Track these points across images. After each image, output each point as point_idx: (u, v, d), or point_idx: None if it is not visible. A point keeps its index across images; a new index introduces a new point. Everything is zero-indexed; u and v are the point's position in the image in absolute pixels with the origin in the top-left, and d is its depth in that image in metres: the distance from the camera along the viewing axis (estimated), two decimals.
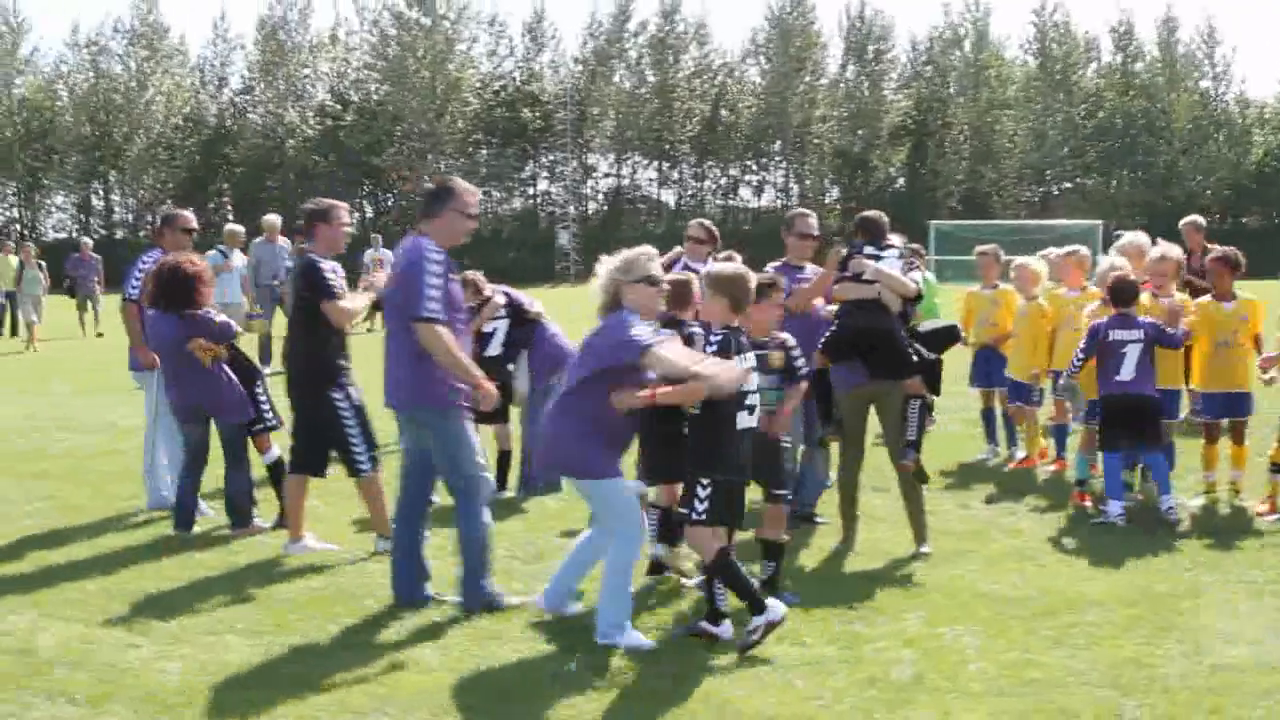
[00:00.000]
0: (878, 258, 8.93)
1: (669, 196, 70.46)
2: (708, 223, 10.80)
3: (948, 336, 9.25)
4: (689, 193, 70.14)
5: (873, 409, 9.07)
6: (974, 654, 6.69)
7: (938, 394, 9.46)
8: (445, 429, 7.40)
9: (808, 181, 68.52)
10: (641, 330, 6.81)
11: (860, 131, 67.16)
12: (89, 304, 29.12)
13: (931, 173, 64.89)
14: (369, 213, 65.16)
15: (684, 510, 6.99)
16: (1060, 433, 11.71)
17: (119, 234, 63.01)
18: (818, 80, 68.98)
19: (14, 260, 28.84)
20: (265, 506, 9.75)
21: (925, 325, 9.22)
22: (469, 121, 65.56)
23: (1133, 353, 9.59)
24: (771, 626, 6.74)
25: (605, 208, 67.52)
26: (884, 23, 69.49)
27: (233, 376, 9.44)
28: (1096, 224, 44.54)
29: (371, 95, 67.11)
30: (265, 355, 18.89)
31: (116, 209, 68.21)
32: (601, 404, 6.83)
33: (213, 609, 7.51)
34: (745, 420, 7.02)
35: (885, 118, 67.72)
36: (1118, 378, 9.61)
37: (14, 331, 28.95)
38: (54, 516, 10.03)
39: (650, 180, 70.35)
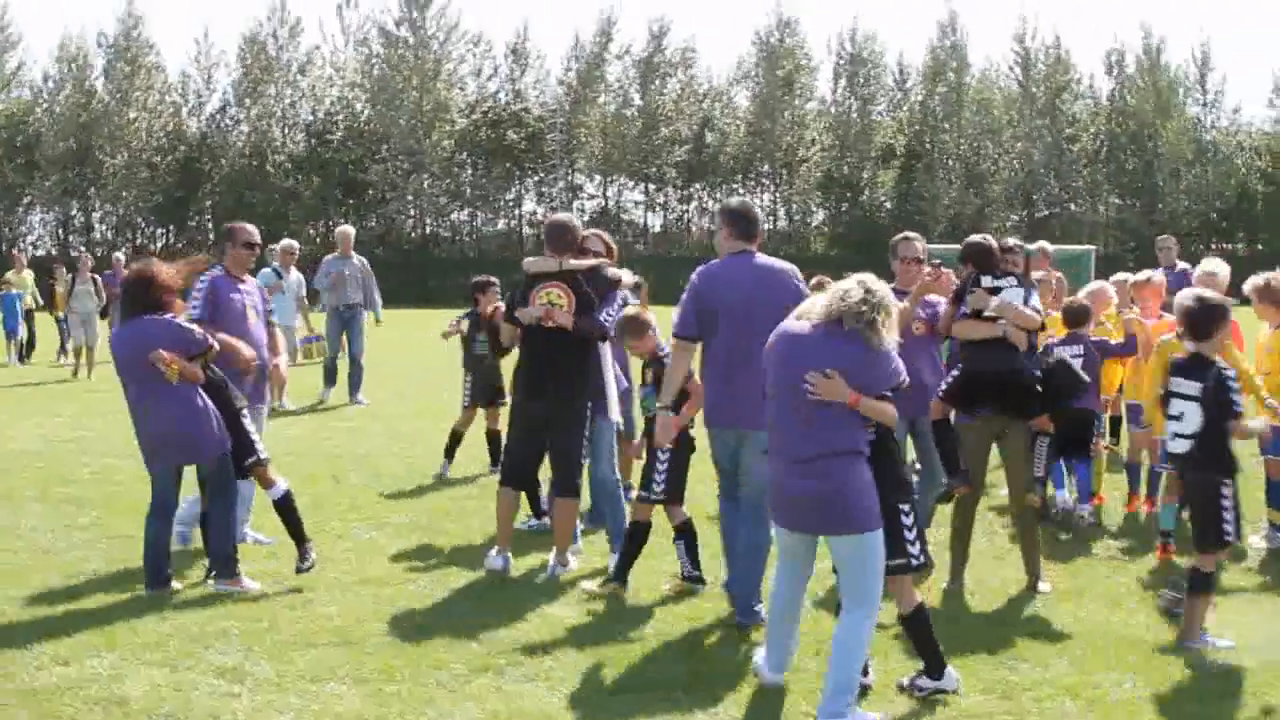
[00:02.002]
0: (997, 289, 8.43)
1: (655, 219, 70.12)
2: (605, 235, 9.75)
3: (1073, 384, 8.60)
4: (674, 215, 69.76)
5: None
6: (1148, 706, 6.19)
7: (1086, 445, 9.11)
8: None
9: (795, 204, 68.20)
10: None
11: (849, 155, 66.95)
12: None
13: (920, 196, 64.64)
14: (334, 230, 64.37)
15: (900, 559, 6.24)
16: (1134, 471, 10.91)
17: (99, 251, 61.89)
18: (806, 103, 68.79)
19: (28, 276, 27.23)
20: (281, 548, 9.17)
21: (1055, 369, 8.58)
22: (455, 141, 65.03)
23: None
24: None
25: (592, 229, 66.86)
26: (875, 47, 69.34)
27: (208, 402, 8.12)
28: (1089, 249, 44.26)
29: (357, 114, 66.50)
30: (330, 378, 17.92)
31: (96, 226, 67.21)
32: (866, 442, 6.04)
33: (303, 651, 6.92)
34: None
35: (874, 141, 67.56)
36: None
37: (28, 350, 26.71)
38: (103, 547, 9.40)
39: (637, 202, 69.95)
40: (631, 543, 8.16)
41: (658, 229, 69.59)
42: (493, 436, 11.96)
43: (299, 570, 8.30)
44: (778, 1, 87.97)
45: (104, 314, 25.36)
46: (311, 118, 67.06)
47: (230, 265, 9.50)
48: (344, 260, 18.05)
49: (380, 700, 6.20)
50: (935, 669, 6.30)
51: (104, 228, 67.04)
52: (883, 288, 5.92)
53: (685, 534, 8.23)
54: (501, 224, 68.65)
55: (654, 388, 8.00)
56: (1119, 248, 61.11)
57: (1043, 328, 8.81)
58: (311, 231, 65.82)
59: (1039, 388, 8.41)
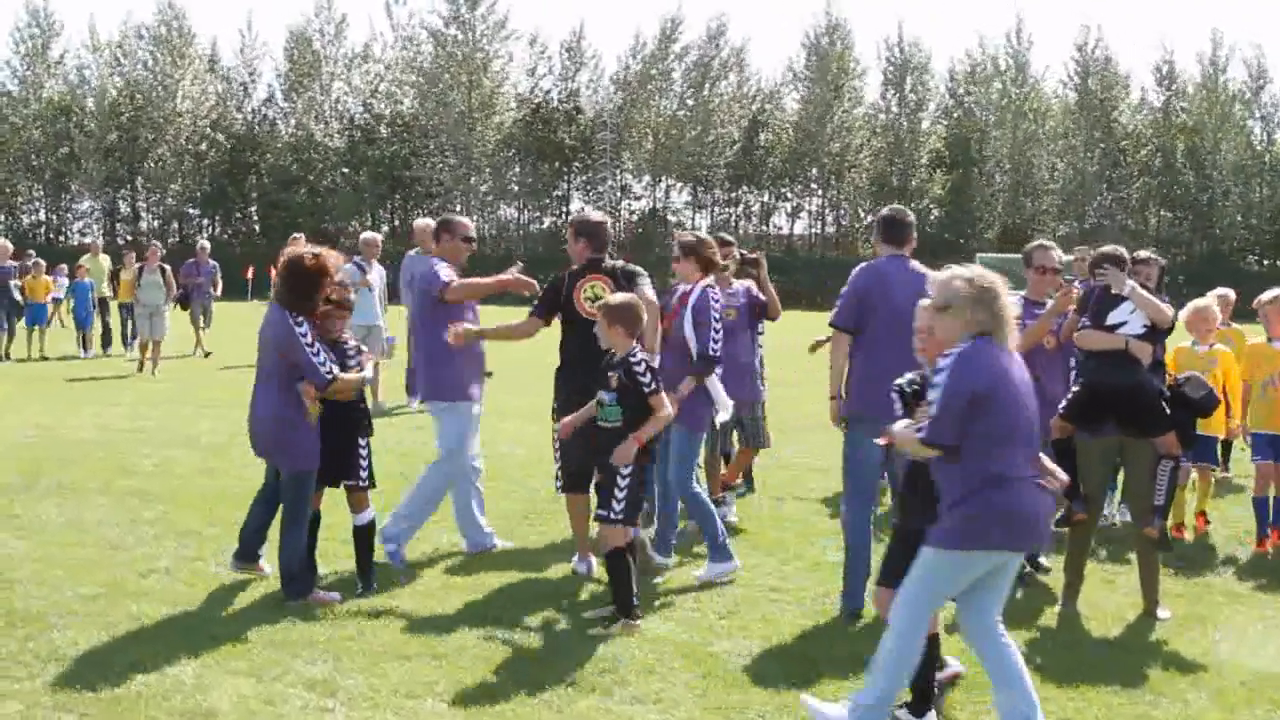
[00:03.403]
0: (1125, 299, 8.01)
1: (703, 220, 69.64)
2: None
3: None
4: (722, 217, 69.30)
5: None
6: None
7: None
8: None
9: (844, 209, 67.66)
10: None
11: (897, 160, 66.37)
12: (204, 318, 24.87)
13: (971, 203, 63.96)
14: (382, 226, 64.16)
15: None
16: (1261, 507, 9.94)
17: (144, 240, 62.05)
18: (854, 108, 68.22)
19: (105, 261, 25.79)
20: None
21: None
22: (503, 138, 64.83)
23: None
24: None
25: (640, 229, 66.56)
26: (923, 53, 68.68)
27: (301, 417, 7.62)
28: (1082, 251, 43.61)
29: (403, 109, 66.45)
30: (413, 387, 16.28)
31: (143, 215, 67.35)
32: None
33: (395, 664, 6.54)
34: None
35: (923, 147, 66.95)
36: None
37: (104, 343, 25.41)
38: (171, 544, 9.04)
39: (684, 203, 69.58)
40: (615, 573, 7.37)
41: (704, 231, 69.11)
42: None
43: (357, 595, 7.81)
44: (828, 3, 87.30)
45: (184, 304, 24.35)
46: (358, 112, 67.02)
47: (442, 256, 9.14)
48: (425, 257, 16.94)
49: None
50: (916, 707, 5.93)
51: (150, 217, 67.13)
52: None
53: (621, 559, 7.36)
54: (548, 222, 68.28)
55: (618, 394, 7.39)
56: (1170, 261, 60.25)
57: (1172, 328, 8.34)
58: (356, 226, 65.82)
59: (1164, 404, 7.95)
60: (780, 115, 68.86)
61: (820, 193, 68.80)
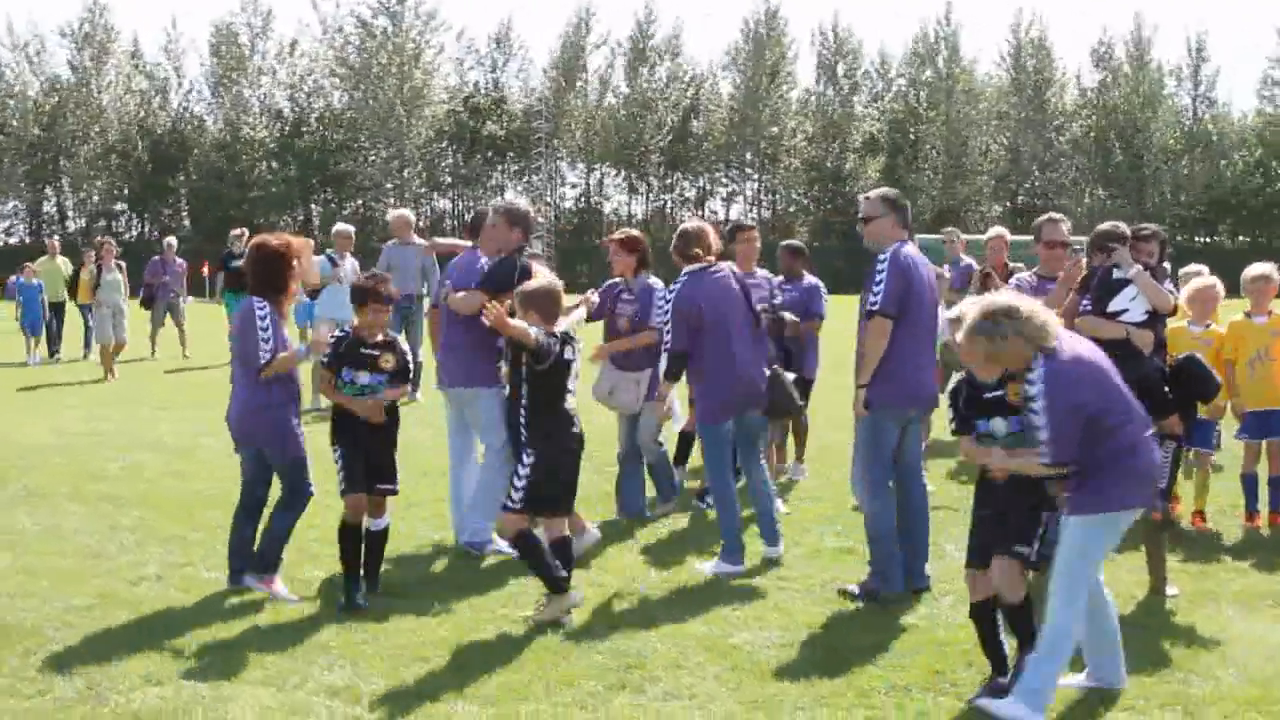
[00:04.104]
0: (1127, 283, 7.97)
1: (638, 207, 69.51)
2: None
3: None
4: (657, 203, 69.17)
5: None
6: None
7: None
8: None
9: (779, 194, 67.79)
10: None
11: (833, 145, 66.57)
12: (169, 318, 23.49)
13: (905, 187, 64.27)
14: (314, 219, 63.40)
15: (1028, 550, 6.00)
16: (1250, 482, 9.95)
17: (77, 240, 60.80)
18: (789, 92, 68.37)
19: (62, 264, 24.40)
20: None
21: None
22: (433, 129, 64.28)
23: None
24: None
25: (576, 218, 66.29)
26: (856, 38, 69.00)
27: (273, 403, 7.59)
28: (1079, 239, 44.01)
29: (334, 103, 65.74)
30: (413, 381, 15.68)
31: (70, 214, 66.09)
32: None
33: (414, 667, 6.35)
34: None
35: (857, 131, 67.21)
36: None
37: (51, 351, 23.79)
38: (156, 550, 8.76)
39: (619, 189, 69.38)
40: (527, 556, 7.25)
41: (640, 217, 68.97)
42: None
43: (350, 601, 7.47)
44: None
45: (147, 304, 23.29)
46: (287, 106, 66.20)
47: (486, 246, 8.86)
48: (403, 247, 16.37)
49: None
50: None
51: (77, 215, 65.89)
52: None
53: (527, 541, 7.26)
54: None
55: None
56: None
57: (1173, 312, 8.31)
58: (288, 220, 65.03)
59: (1165, 387, 7.89)
60: (715, 100, 68.78)
61: (756, 177, 68.86)
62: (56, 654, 6.49)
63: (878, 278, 7.54)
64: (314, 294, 16.18)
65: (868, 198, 7.95)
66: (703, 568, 8.35)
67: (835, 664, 6.45)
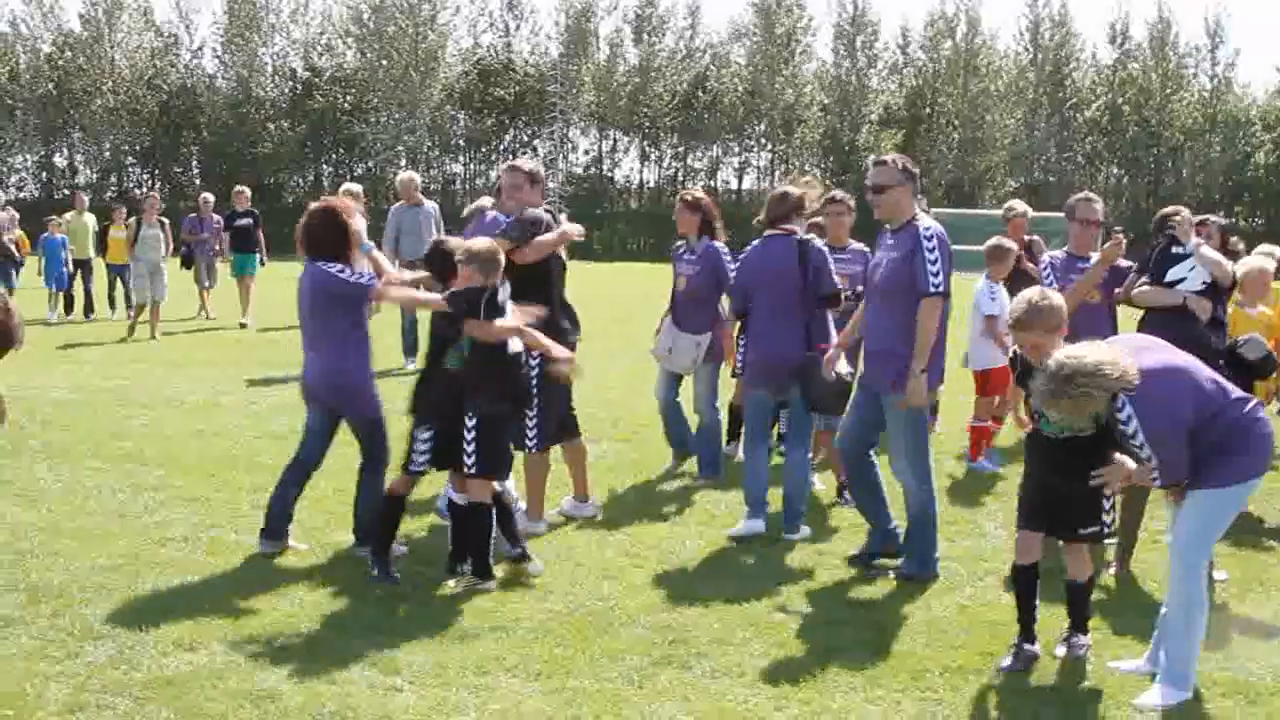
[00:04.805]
0: (1186, 256, 7.80)
1: (650, 175, 69.12)
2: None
3: (1264, 365, 7.84)
4: (669, 171, 68.75)
5: None
6: None
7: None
8: None
9: (793, 165, 67.34)
10: None
11: (847, 117, 66.10)
12: (208, 277, 22.31)
13: (920, 160, 63.87)
14: (324, 180, 62.99)
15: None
16: None
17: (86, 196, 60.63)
18: (804, 64, 67.85)
19: (90, 220, 23.01)
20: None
21: (1244, 345, 7.85)
22: (444, 91, 63.86)
23: None
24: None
25: (586, 182, 65.86)
26: (875, 12, 68.38)
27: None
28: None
29: (345, 64, 65.31)
30: (409, 347, 15.64)
31: (81, 169, 65.79)
32: None
33: (456, 639, 6.18)
34: None
35: (873, 103, 66.73)
36: None
37: (86, 309, 22.68)
38: (182, 511, 8.59)
39: (631, 156, 68.94)
40: (476, 530, 7.08)
41: (652, 185, 68.58)
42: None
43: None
44: None
45: (186, 262, 22.32)
46: (299, 65, 65.79)
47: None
48: (412, 209, 16.10)
49: (566, 698, 5.46)
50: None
51: (89, 170, 65.59)
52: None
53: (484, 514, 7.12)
54: (494, 175, 67.36)
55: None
56: (1118, 217, 60.49)
57: (1233, 286, 8.12)
58: (298, 181, 64.72)
59: (1223, 363, 7.71)
60: (728, 70, 68.28)
61: (770, 147, 68.41)
62: (85, 616, 6.32)
63: (931, 256, 7.18)
64: None
65: (882, 164, 7.46)
66: (727, 533, 8.26)
67: (884, 643, 6.30)
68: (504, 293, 7.05)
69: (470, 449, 6.93)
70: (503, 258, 7.14)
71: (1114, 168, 66.37)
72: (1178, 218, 7.89)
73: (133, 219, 20.65)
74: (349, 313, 7.49)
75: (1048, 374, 5.34)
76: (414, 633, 6.22)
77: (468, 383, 6.90)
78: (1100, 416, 5.52)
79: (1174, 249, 7.92)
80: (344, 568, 7.34)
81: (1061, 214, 9.18)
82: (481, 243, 7.14)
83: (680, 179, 66.97)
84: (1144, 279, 8.08)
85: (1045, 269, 8.73)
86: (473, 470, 6.96)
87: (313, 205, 7.73)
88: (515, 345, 7.07)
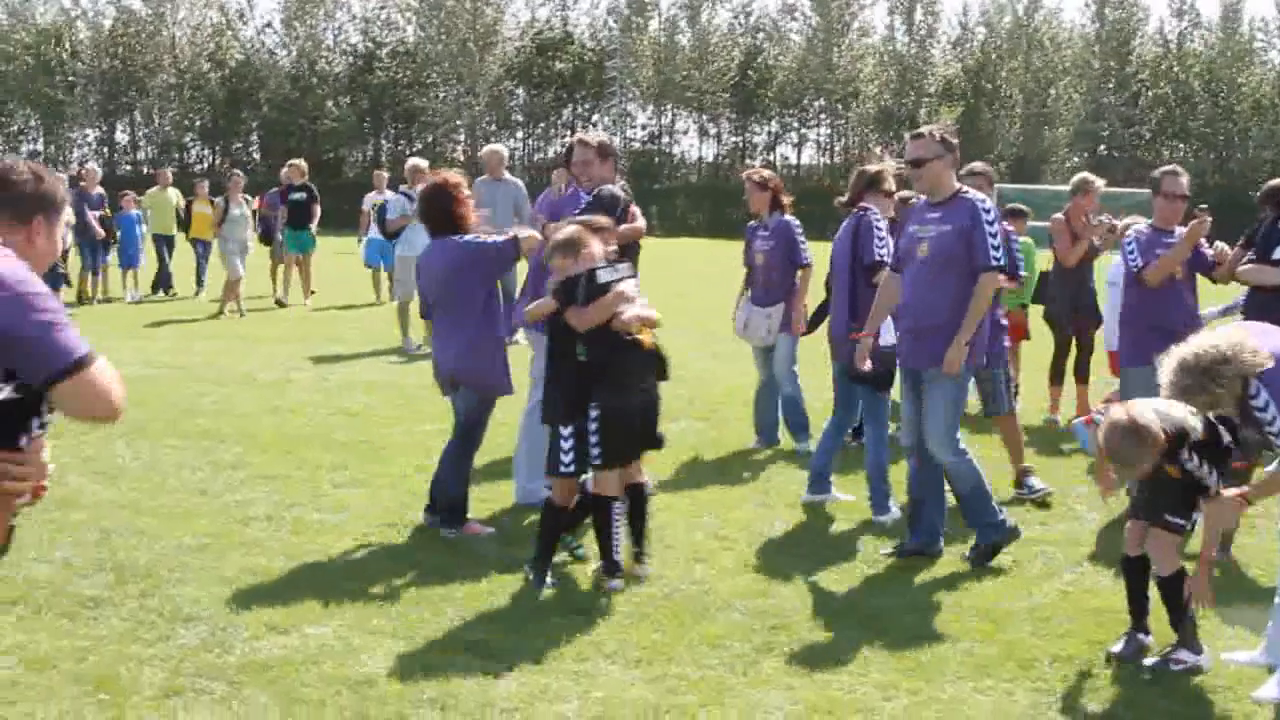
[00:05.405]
0: None
1: (708, 150, 68.81)
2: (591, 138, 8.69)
3: None
4: (727, 147, 68.40)
5: None
6: None
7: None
8: None
9: (852, 139, 66.82)
10: None
11: (907, 91, 65.44)
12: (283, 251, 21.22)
13: (983, 136, 63.08)
14: (383, 155, 63.05)
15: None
16: None
17: (145, 170, 61.00)
18: (862, 38, 67.25)
19: (174, 195, 22.58)
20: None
21: None
22: (504, 66, 63.82)
23: None
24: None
25: (645, 159, 65.59)
26: None
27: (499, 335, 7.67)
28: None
29: (405, 38, 65.42)
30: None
31: (141, 145, 66.35)
32: None
33: (542, 621, 6.06)
34: None
35: (932, 76, 66.05)
36: None
37: (166, 286, 22.40)
38: (263, 489, 8.52)
39: (689, 132, 68.70)
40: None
41: (710, 160, 68.28)
42: None
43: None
44: None
45: (266, 239, 21.57)
46: (359, 40, 65.98)
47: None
48: (495, 183, 15.35)
49: (669, 686, 5.31)
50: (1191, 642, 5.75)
51: (149, 147, 66.12)
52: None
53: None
54: (552, 151, 67.32)
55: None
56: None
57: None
58: (358, 156, 64.92)
59: None
60: (783, 45, 67.80)
61: (829, 121, 67.88)
62: (174, 597, 6.24)
63: (991, 230, 7.02)
64: (394, 235, 15.86)
65: (919, 136, 7.21)
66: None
67: (988, 630, 6.11)
68: (611, 272, 6.71)
69: (594, 440, 6.63)
70: (592, 239, 6.81)
71: (1180, 144, 65.25)
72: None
73: (219, 198, 20.25)
74: (487, 283, 7.50)
75: (1182, 369, 5.10)
76: (507, 618, 6.11)
77: (588, 376, 6.64)
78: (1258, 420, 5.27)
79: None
80: (430, 549, 7.23)
81: (1128, 189, 8.97)
82: (563, 232, 6.88)
83: (740, 154, 66.62)
84: (1249, 255, 7.82)
85: (1130, 244, 8.47)
86: (596, 462, 6.67)
87: (423, 186, 7.81)
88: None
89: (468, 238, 7.45)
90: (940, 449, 7.20)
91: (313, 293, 20.85)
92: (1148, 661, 5.73)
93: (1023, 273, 9.99)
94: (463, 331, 7.49)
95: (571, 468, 6.67)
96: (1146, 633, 5.86)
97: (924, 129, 7.30)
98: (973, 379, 8.33)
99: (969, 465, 7.25)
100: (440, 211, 7.53)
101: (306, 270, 20.92)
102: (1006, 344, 9.84)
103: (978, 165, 9.54)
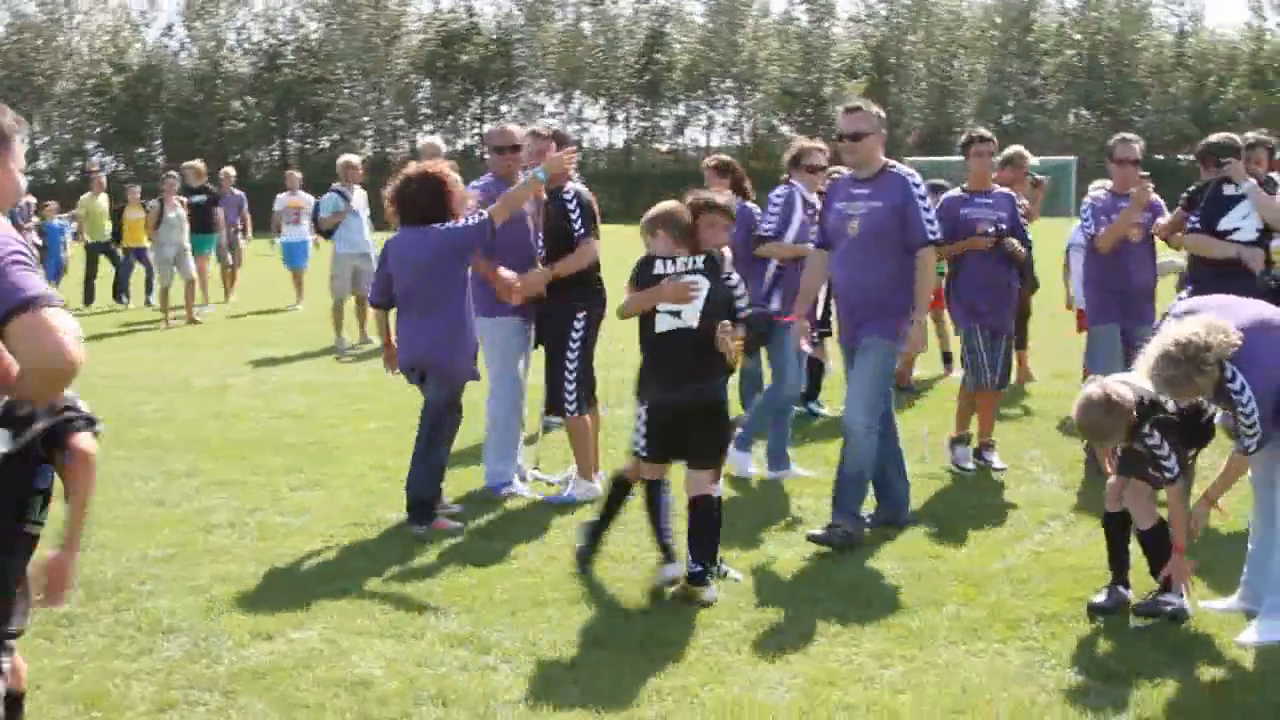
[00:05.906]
0: (1239, 199, 7.67)
1: (618, 136, 68.73)
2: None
3: None
4: (635, 132, 68.37)
5: None
6: None
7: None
8: None
9: (758, 119, 67.14)
10: None
11: (811, 69, 65.81)
12: (230, 254, 21.25)
13: (889, 111, 63.66)
14: (290, 155, 62.35)
15: None
16: None
17: (48, 179, 59.66)
18: (763, 18, 67.56)
19: (102, 203, 21.82)
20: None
21: None
22: (409, 59, 63.29)
23: None
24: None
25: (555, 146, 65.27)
26: None
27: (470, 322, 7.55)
28: (1071, 159, 43.89)
29: (309, 35, 64.62)
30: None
31: (40, 154, 64.92)
32: None
33: (532, 611, 6.01)
34: None
35: (835, 54, 66.50)
36: None
37: (116, 293, 21.97)
38: (221, 496, 8.38)
39: (597, 120, 68.55)
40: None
41: (620, 145, 68.21)
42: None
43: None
44: None
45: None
46: (263, 38, 65.07)
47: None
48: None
49: (669, 668, 5.29)
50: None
51: (49, 155, 64.75)
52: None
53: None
54: (461, 144, 66.87)
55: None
56: (1091, 160, 60.44)
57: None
58: (262, 156, 64.09)
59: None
60: (686, 27, 67.91)
61: (736, 103, 68.12)
62: (149, 610, 6.10)
63: (924, 204, 7.09)
64: (327, 234, 15.71)
65: (856, 110, 7.23)
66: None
67: (970, 594, 6.19)
68: (667, 265, 6.31)
69: (640, 431, 6.37)
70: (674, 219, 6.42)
71: (1083, 110, 66.32)
72: (1232, 162, 7.70)
73: (153, 201, 19.60)
74: (464, 265, 7.48)
75: (1166, 360, 5.18)
76: (491, 608, 6.06)
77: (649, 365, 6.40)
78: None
79: (1226, 190, 7.77)
80: (401, 547, 7.14)
81: (1051, 158, 9.15)
82: (656, 207, 6.47)
83: (649, 138, 66.67)
84: (1192, 219, 7.93)
85: (1085, 210, 8.61)
86: (643, 454, 6.40)
87: (407, 172, 7.58)
88: (665, 324, 6.27)
89: (446, 224, 7.37)
90: (854, 414, 7.12)
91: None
92: (1135, 601, 5.83)
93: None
94: (438, 320, 7.41)
95: (643, 450, 6.36)
96: (1127, 586, 5.96)
97: (859, 103, 7.37)
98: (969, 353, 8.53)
99: (869, 447, 7.11)
100: (426, 201, 7.41)
101: (203, 275, 20.13)
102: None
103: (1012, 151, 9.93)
